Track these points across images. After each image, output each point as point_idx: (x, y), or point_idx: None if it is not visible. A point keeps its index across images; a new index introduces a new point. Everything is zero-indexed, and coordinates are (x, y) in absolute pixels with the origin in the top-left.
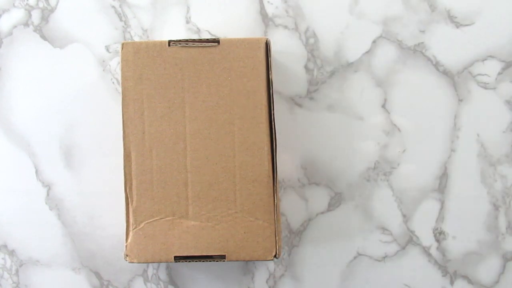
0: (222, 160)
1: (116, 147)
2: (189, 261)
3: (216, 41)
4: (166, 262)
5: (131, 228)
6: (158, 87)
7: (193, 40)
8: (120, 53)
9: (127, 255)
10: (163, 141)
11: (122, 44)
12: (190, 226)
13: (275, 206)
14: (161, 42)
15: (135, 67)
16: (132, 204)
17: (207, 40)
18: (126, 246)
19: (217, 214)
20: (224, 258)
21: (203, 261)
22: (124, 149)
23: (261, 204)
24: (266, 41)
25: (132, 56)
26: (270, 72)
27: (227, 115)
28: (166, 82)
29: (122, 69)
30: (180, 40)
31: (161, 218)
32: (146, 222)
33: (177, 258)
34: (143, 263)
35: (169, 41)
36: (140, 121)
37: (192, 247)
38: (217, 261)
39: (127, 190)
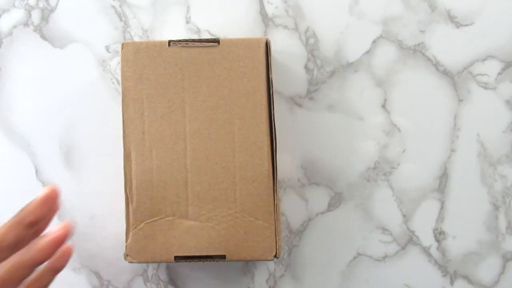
0: (222, 160)
1: (116, 147)
2: (189, 261)
3: (216, 41)
4: (166, 262)
5: (131, 228)
6: (158, 87)
7: (193, 40)
8: (120, 53)
9: (127, 255)
10: (163, 141)
11: (122, 44)
12: (190, 226)
13: (275, 206)
14: (161, 42)
15: (135, 67)
16: (132, 204)
17: (207, 40)
18: (126, 246)
19: (217, 214)
20: (224, 258)
21: (203, 261)
22: (124, 149)
23: (261, 204)
24: (266, 41)
25: (132, 56)
26: (270, 72)
27: (227, 115)
28: (166, 82)
29: (122, 69)
30: (180, 40)
31: (161, 218)
32: (146, 222)
33: (177, 258)
34: (143, 263)
35: (169, 41)
36: (140, 121)
37: (192, 247)
38: (217, 261)
39: (127, 190)
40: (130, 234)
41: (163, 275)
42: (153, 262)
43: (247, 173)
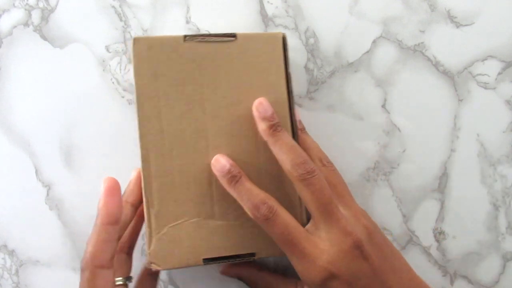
0: (246, 157)
1: (116, 147)
2: (219, 263)
3: (233, 35)
4: (195, 266)
5: (153, 234)
6: (175, 84)
7: (209, 35)
8: (132, 49)
9: (151, 263)
10: (183, 140)
11: (134, 40)
12: (217, 226)
13: (300, 201)
14: (175, 37)
15: (150, 63)
16: (153, 208)
17: (224, 35)
18: (149, 253)
19: (244, 212)
20: (253, 256)
21: (231, 261)
22: (142, 150)
23: (286, 199)
24: (283, 36)
25: (145, 51)
26: (288, 67)
27: (248, 111)
28: (183, 79)
29: (135, 66)
30: (196, 35)
31: (186, 220)
32: (170, 225)
33: (206, 261)
34: (170, 269)
35: (185, 36)
36: (157, 120)
37: (221, 247)
38: (246, 260)
39: (147, 194)
40: (153, 240)
41: (163, 275)
42: (180, 268)
43: (272, 168)
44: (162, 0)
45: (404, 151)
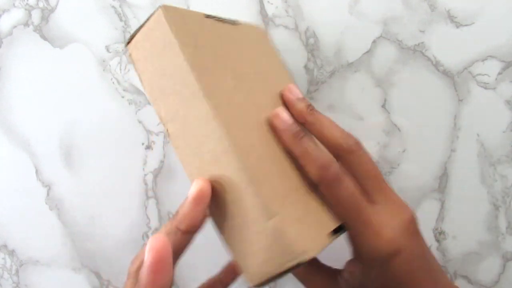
0: None
1: (116, 147)
2: (338, 236)
3: (235, 21)
4: (330, 243)
5: (289, 223)
6: (216, 56)
7: (219, 18)
8: (162, 17)
9: (306, 251)
10: (248, 115)
11: (163, 8)
12: (314, 199)
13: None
14: (197, 13)
15: (189, 33)
16: (279, 215)
17: (228, 20)
18: (306, 243)
19: None
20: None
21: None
22: (230, 140)
23: None
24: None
25: (180, 20)
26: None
27: (276, 88)
28: (219, 51)
29: (176, 36)
30: (210, 15)
31: (295, 200)
32: (285, 218)
33: (333, 234)
34: (319, 253)
35: (204, 14)
36: (221, 94)
37: (329, 219)
38: (341, 233)
39: (259, 188)
40: (293, 229)
41: None
42: (325, 248)
43: None
44: (162, 0)
45: (404, 151)
